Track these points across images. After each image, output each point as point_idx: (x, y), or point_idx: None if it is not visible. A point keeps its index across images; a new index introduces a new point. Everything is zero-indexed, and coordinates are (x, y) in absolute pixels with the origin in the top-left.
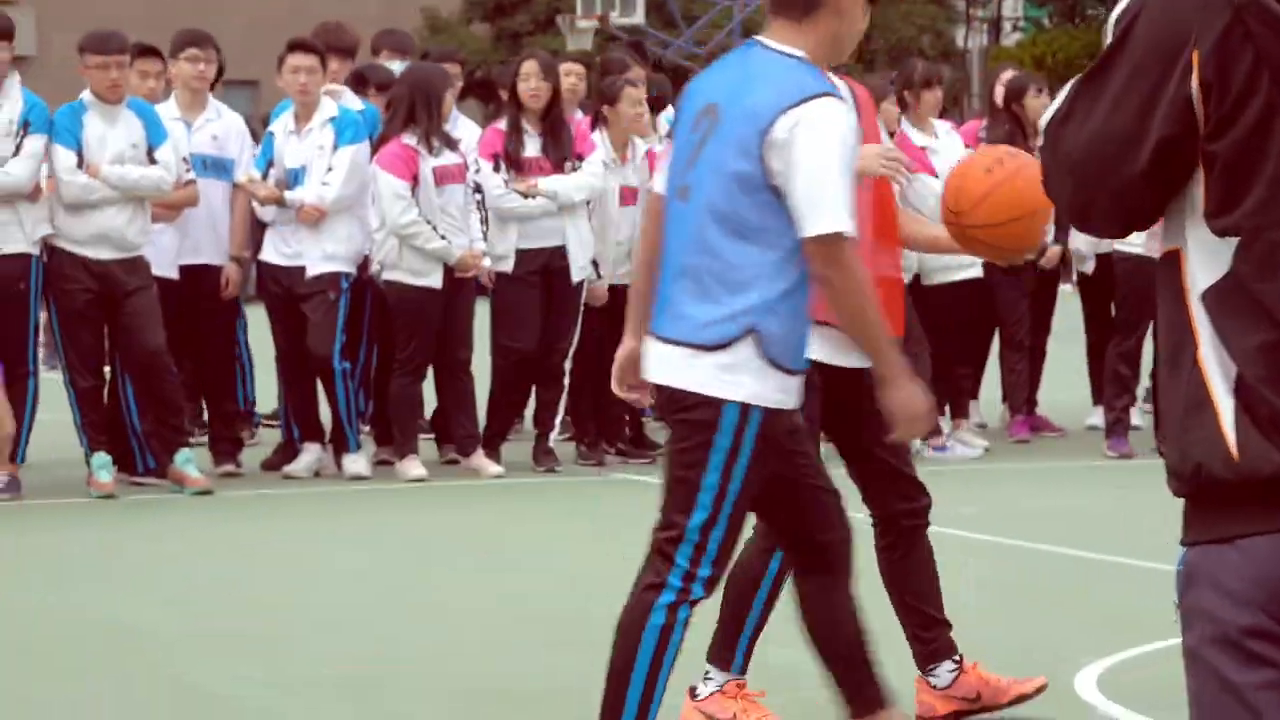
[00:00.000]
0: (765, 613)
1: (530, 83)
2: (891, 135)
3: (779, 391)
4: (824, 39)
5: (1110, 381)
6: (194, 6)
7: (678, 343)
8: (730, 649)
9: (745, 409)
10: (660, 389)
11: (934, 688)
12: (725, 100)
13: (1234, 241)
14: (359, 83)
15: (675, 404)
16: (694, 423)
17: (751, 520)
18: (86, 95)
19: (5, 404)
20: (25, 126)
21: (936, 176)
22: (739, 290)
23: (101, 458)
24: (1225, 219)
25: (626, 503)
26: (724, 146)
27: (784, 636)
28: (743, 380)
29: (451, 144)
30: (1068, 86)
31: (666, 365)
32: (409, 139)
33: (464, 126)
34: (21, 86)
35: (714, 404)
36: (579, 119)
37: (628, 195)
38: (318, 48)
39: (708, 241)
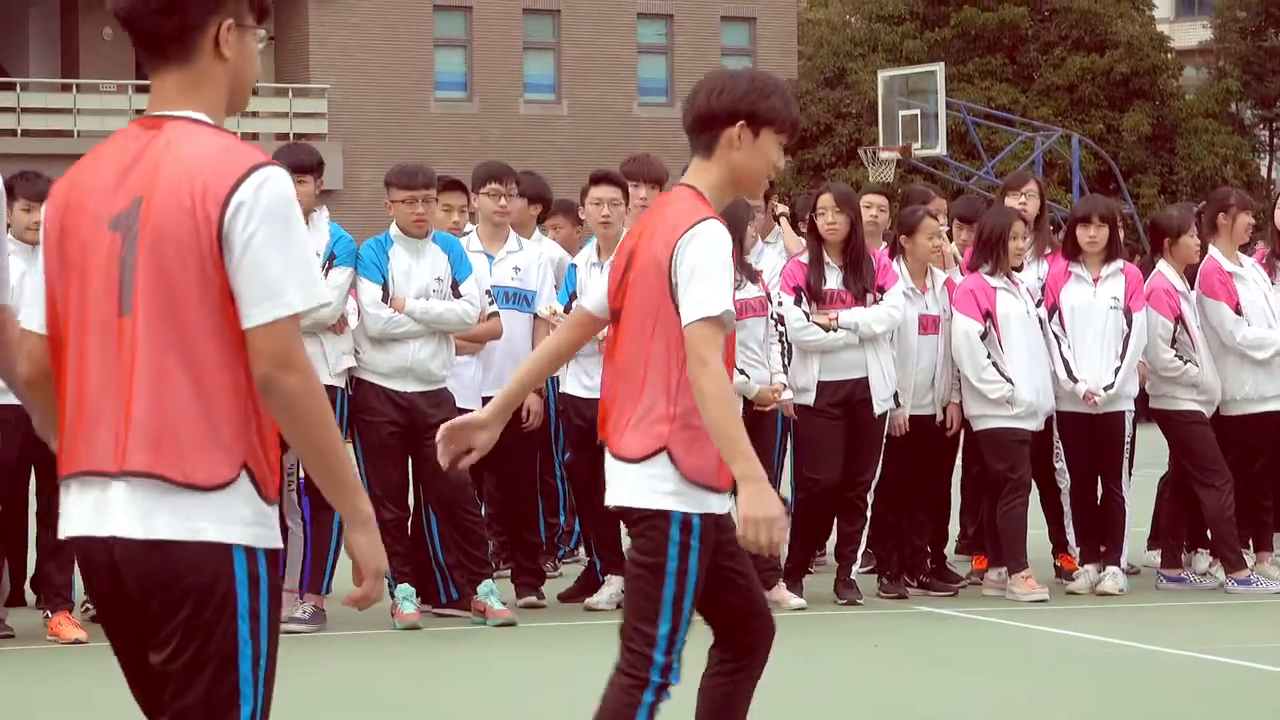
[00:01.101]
0: None
1: (827, 216)
2: (1190, 267)
3: None
4: None
5: None
6: (500, 140)
7: None
8: None
9: None
10: None
11: None
12: None
13: None
14: None
15: None
16: None
17: None
18: (393, 229)
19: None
20: (331, 259)
21: (1239, 308)
22: None
23: (405, 589)
24: None
25: (928, 636)
26: None
27: None
28: None
29: (753, 276)
30: None
31: None
32: None
33: (768, 257)
34: (330, 221)
35: None
36: (880, 250)
37: (928, 324)
38: (619, 180)
39: None
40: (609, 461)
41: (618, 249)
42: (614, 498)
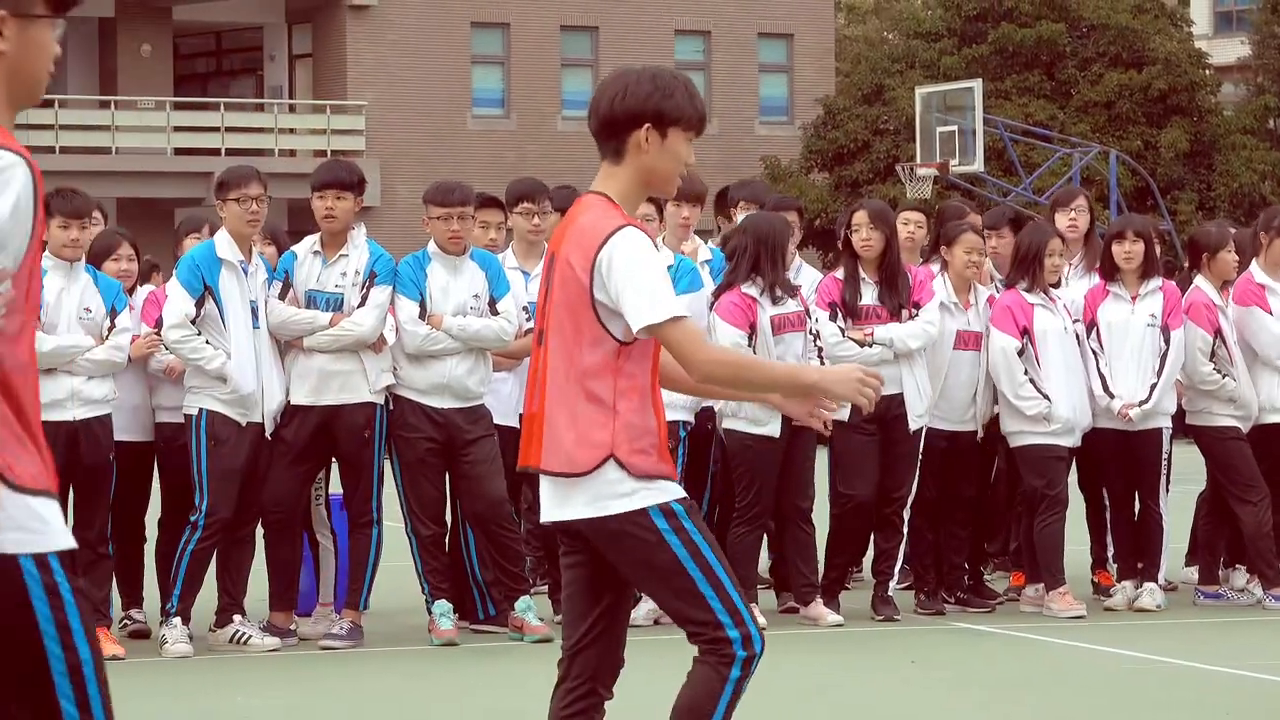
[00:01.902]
0: None
1: (862, 233)
2: (1226, 284)
3: None
4: None
5: None
6: (538, 157)
7: None
8: None
9: None
10: None
11: None
12: None
13: None
14: None
15: None
16: None
17: None
18: (431, 246)
19: None
20: (371, 278)
21: (1271, 313)
22: None
23: (443, 605)
24: None
25: (966, 652)
26: None
27: None
28: None
29: (792, 292)
30: None
31: None
32: (749, 288)
33: (806, 274)
34: (368, 238)
35: None
36: (916, 267)
37: (969, 340)
38: (655, 199)
39: None
40: (549, 482)
41: (542, 265)
42: (571, 512)
